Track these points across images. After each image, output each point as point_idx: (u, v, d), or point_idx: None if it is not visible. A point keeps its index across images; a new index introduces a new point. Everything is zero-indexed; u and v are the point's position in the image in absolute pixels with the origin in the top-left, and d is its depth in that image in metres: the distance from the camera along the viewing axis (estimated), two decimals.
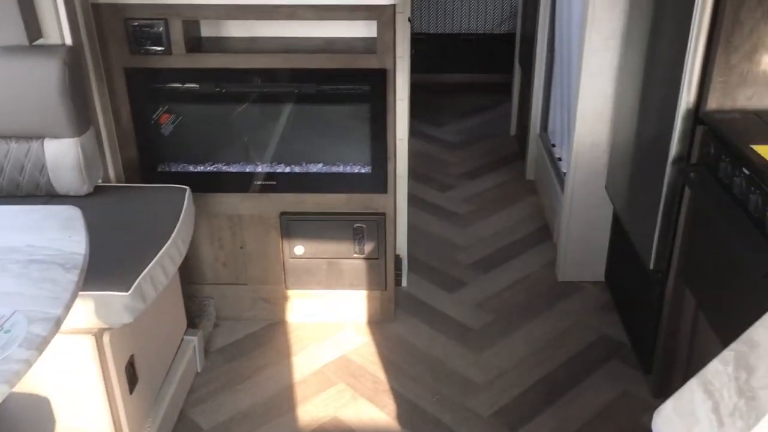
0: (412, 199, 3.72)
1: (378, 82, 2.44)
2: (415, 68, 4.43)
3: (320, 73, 2.45)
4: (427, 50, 5.21)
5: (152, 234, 2.05)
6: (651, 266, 2.31)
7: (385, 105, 2.48)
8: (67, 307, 1.34)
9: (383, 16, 2.34)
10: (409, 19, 2.65)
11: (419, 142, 4.47)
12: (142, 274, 1.87)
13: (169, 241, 2.02)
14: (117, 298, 1.81)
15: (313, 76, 2.47)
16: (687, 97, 2.05)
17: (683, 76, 2.04)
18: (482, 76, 5.39)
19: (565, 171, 3.26)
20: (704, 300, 2.04)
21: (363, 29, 2.56)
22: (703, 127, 2.02)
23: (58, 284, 1.38)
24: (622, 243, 2.77)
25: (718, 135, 1.92)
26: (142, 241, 2.02)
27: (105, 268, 1.87)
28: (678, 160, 2.12)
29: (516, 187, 3.94)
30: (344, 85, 2.49)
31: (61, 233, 1.55)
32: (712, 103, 2.00)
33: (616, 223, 2.84)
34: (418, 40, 5.16)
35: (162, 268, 1.96)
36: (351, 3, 2.33)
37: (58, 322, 1.29)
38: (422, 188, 3.90)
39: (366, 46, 2.49)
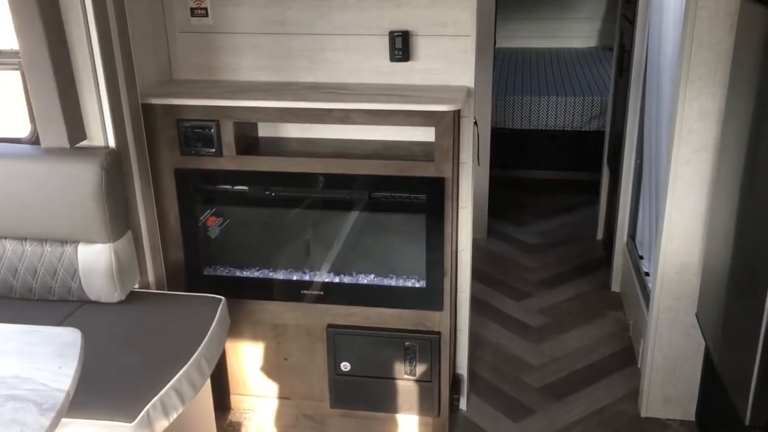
0: (483, 307, 3.45)
1: (435, 191, 2.25)
2: (496, 163, 4.25)
3: (374, 179, 2.29)
4: (510, 145, 5.00)
5: (174, 351, 1.89)
6: (747, 422, 1.93)
7: (443, 215, 2.28)
8: None
9: (442, 123, 2.17)
10: (475, 123, 2.46)
11: (496, 243, 4.21)
12: (152, 401, 1.70)
13: (190, 361, 1.86)
14: (119, 429, 1.64)
15: (366, 183, 2.30)
16: None
17: None
18: (567, 174, 5.09)
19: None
20: None
21: (424, 132, 2.39)
22: None
23: (27, 430, 1.21)
24: (715, 380, 2.38)
25: None
26: (161, 359, 1.86)
27: (112, 389, 1.71)
28: None
29: (599, 299, 3.59)
30: (399, 193, 2.31)
31: (51, 362, 1.40)
32: None
33: (709, 356, 2.47)
34: (500, 134, 4.97)
35: (177, 392, 1.79)
36: (407, 108, 2.17)
37: None
38: (494, 295, 3.62)
39: (425, 151, 2.32)
